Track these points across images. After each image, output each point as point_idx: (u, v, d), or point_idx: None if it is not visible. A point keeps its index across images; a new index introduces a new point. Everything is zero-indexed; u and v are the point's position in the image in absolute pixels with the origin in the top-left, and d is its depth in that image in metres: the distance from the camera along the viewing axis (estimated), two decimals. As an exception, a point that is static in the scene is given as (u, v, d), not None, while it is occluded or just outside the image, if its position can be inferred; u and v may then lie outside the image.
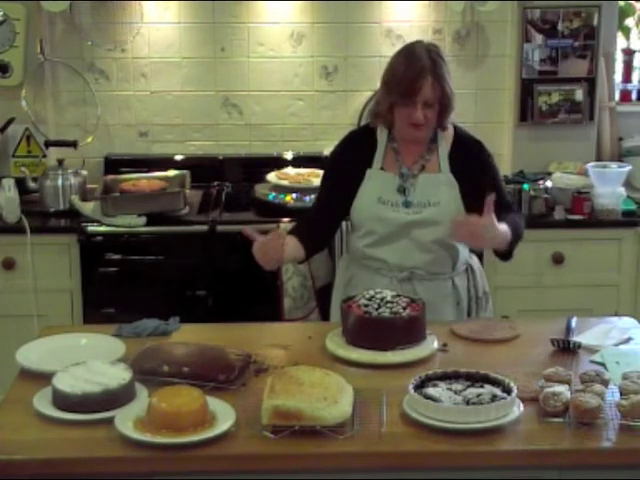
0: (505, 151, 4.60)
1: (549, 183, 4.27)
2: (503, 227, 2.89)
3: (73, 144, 4.35)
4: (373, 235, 3.06)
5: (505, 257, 3.06)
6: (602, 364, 2.59)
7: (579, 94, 4.51)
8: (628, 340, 2.80)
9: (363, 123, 4.41)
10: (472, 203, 2.96)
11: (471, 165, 3.04)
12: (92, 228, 4.00)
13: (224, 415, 2.27)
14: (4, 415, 2.35)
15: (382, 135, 3.07)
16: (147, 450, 2.17)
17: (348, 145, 3.15)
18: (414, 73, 2.89)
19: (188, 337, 2.77)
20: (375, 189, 3.05)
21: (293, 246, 2.96)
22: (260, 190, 4.28)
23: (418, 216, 3.01)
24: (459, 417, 2.23)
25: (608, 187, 4.19)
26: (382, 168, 3.06)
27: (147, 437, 2.18)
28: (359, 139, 3.14)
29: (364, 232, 3.08)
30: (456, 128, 3.11)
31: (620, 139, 4.69)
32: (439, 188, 3.02)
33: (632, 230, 4.19)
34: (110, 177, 4.34)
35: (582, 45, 4.47)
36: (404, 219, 3.01)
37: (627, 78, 4.92)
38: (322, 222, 3.13)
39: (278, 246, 2.82)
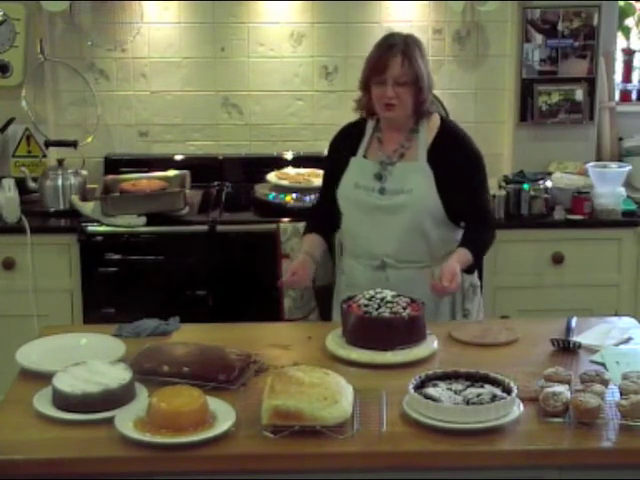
0: (505, 151, 4.60)
1: (549, 183, 4.27)
2: (462, 257, 3.00)
3: (73, 144, 4.35)
4: (349, 219, 3.15)
5: (467, 272, 3.10)
6: (602, 364, 2.59)
7: (579, 94, 4.51)
8: (628, 340, 2.80)
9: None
10: (448, 195, 3.06)
11: (451, 160, 3.07)
12: (92, 228, 4.00)
13: (224, 415, 2.27)
14: (4, 415, 2.35)
15: (370, 125, 3.19)
16: (147, 450, 2.17)
17: (340, 135, 3.31)
18: (383, 50, 3.04)
19: (188, 337, 2.77)
20: (354, 175, 3.14)
21: (316, 243, 3.21)
22: (260, 190, 4.27)
23: (389, 202, 3.07)
24: (459, 417, 2.23)
25: (608, 187, 4.19)
26: (365, 156, 3.15)
27: (147, 437, 2.18)
28: (350, 129, 3.27)
29: (344, 217, 3.17)
30: (444, 121, 3.18)
31: (620, 139, 4.68)
32: (413, 176, 3.08)
33: (632, 230, 4.18)
34: (110, 177, 4.33)
35: (582, 45, 4.47)
36: (375, 203, 3.08)
37: (627, 78, 4.93)
38: (325, 209, 3.27)
39: (305, 274, 3.11)
